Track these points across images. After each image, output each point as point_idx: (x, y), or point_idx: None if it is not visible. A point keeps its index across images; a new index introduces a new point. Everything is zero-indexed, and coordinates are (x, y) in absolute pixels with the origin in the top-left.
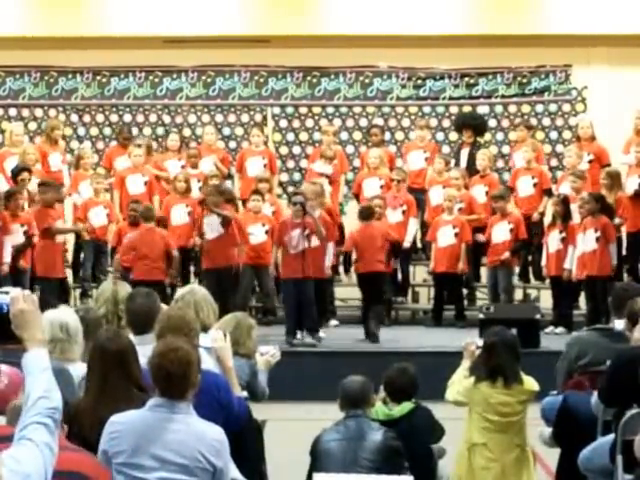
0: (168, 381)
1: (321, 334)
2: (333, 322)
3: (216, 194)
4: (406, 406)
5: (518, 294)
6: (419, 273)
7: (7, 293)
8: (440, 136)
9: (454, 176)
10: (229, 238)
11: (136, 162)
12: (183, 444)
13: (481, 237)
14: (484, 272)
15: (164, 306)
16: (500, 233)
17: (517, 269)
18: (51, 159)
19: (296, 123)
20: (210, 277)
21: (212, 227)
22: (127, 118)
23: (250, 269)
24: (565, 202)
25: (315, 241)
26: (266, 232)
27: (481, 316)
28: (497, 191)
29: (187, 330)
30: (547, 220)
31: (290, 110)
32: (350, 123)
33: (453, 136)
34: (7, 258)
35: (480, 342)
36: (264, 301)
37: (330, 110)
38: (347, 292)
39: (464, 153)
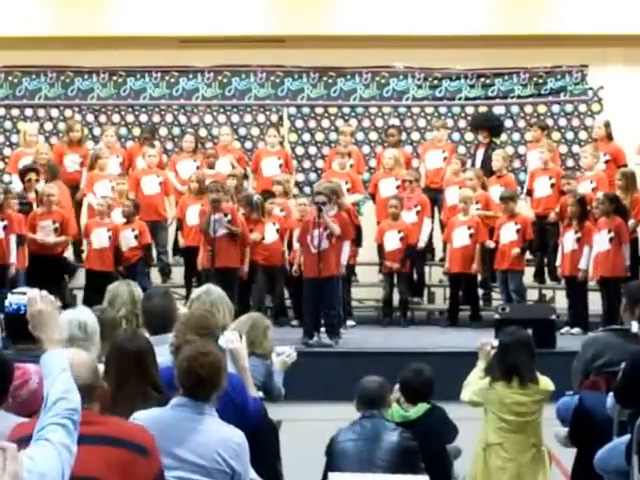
0: (196, 384)
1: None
2: (350, 322)
3: (220, 191)
4: (421, 407)
5: (533, 294)
6: (435, 273)
7: (24, 294)
8: (456, 136)
9: (469, 176)
10: (236, 238)
11: (150, 162)
12: (203, 445)
13: (490, 243)
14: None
15: (181, 307)
16: (508, 234)
17: (531, 270)
18: (66, 160)
19: (312, 123)
20: (212, 276)
21: (220, 225)
22: (143, 118)
23: (263, 270)
24: (581, 202)
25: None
26: (277, 231)
27: (497, 316)
28: (506, 192)
29: (215, 330)
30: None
31: (306, 110)
32: (366, 123)
33: (469, 136)
34: (13, 259)
35: (495, 342)
36: (276, 302)
37: (346, 110)
38: (364, 292)
39: (480, 154)
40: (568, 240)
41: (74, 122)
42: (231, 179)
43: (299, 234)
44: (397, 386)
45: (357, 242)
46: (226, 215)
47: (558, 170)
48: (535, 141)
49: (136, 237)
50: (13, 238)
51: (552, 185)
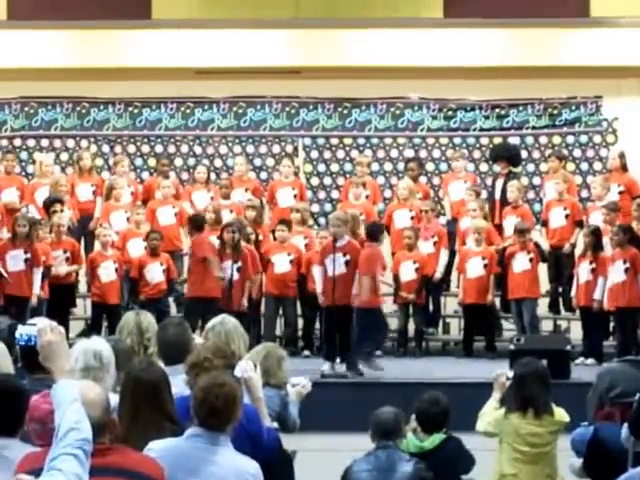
0: (211, 415)
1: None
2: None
3: (237, 232)
4: (437, 438)
5: (548, 325)
6: (450, 304)
7: (34, 325)
8: (470, 167)
9: (472, 207)
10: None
11: (165, 193)
12: (217, 476)
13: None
14: None
15: (197, 338)
16: (521, 264)
17: (545, 300)
18: (79, 190)
19: (327, 154)
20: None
21: (227, 272)
22: (159, 149)
23: (274, 299)
24: (595, 233)
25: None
26: (291, 262)
27: (511, 347)
28: (522, 224)
29: (231, 358)
30: (578, 251)
31: (321, 141)
32: (381, 154)
33: (484, 167)
34: (37, 289)
35: (510, 373)
36: (287, 332)
37: (361, 141)
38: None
39: (499, 184)
40: (583, 271)
41: (83, 151)
42: (250, 210)
43: (319, 257)
44: (413, 416)
45: None
46: (236, 262)
47: (572, 201)
48: (553, 172)
49: (164, 271)
50: (37, 271)
51: (567, 216)
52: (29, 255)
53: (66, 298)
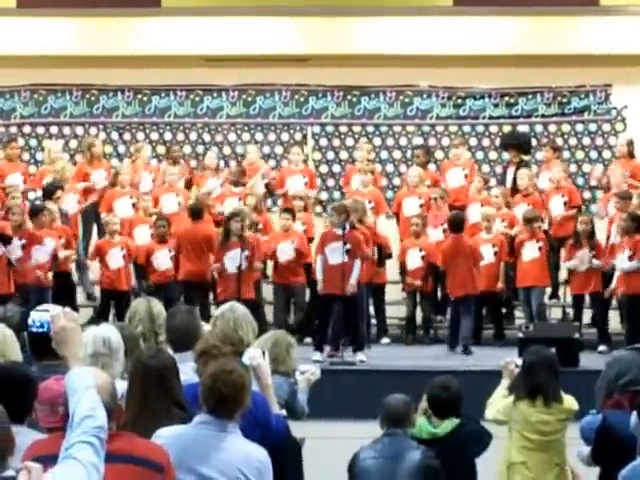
0: (220, 402)
1: (361, 356)
2: (385, 340)
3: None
4: (450, 424)
5: (557, 313)
6: None
7: (47, 311)
8: (480, 155)
9: (494, 194)
10: (251, 272)
11: (171, 181)
12: (226, 463)
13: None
14: None
15: (205, 325)
16: (530, 252)
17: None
18: (94, 177)
19: (336, 142)
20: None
21: (235, 261)
22: (168, 136)
23: (282, 287)
24: (592, 223)
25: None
26: (295, 250)
27: (520, 335)
28: (531, 213)
29: (239, 344)
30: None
31: (330, 129)
32: (390, 142)
33: (493, 155)
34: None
35: (519, 361)
36: (296, 320)
37: (370, 129)
38: (387, 310)
39: (510, 172)
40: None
41: (94, 138)
42: (250, 197)
43: (318, 244)
44: (424, 397)
45: (380, 262)
46: (243, 250)
47: (570, 188)
48: (547, 162)
49: (171, 258)
50: (37, 254)
51: (565, 203)
52: (24, 241)
53: (66, 285)
